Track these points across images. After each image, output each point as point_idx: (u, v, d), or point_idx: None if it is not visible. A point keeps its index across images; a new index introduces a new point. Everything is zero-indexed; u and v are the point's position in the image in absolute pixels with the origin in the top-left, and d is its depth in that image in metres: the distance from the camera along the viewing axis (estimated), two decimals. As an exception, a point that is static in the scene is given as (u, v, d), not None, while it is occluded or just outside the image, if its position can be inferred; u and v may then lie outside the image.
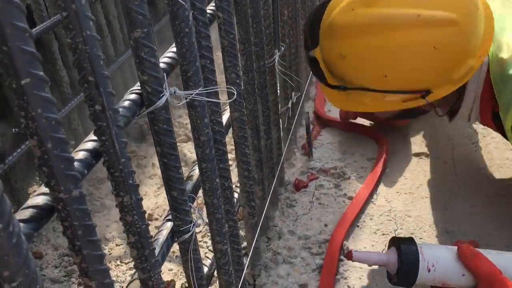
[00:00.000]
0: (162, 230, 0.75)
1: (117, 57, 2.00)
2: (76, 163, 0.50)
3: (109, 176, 0.54)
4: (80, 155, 0.52)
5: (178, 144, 1.77)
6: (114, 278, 1.25)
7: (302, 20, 1.66)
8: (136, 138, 1.85)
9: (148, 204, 1.52)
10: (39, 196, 0.46)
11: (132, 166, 0.55)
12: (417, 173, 1.42)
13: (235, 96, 0.85)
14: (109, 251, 1.35)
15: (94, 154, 0.53)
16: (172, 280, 1.19)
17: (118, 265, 1.29)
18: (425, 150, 1.51)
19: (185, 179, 0.85)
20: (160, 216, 1.45)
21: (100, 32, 1.91)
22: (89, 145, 0.53)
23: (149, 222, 1.43)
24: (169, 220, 0.76)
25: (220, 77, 1.41)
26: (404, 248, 0.94)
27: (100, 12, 1.90)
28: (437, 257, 0.93)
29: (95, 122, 0.50)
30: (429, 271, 0.92)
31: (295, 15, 1.52)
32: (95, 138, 0.52)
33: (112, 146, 0.52)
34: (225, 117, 1.00)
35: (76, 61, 0.47)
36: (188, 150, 1.75)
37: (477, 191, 1.32)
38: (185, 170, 0.78)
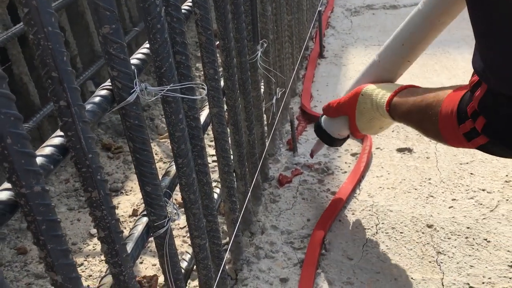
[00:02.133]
0: (137, 225, 0.75)
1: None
2: (42, 159, 0.51)
3: (77, 171, 0.54)
4: (46, 150, 0.52)
5: (163, 140, 1.78)
6: (97, 273, 1.25)
7: (287, 16, 1.67)
8: (123, 134, 1.85)
9: (133, 199, 1.52)
10: (2, 192, 0.47)
11: (100, 162, 0.55)
12: (400, 168, 1.43)
13: (205, 93, 0.85)
14: (93, 247, 1.35)
15: (61, 150, 0.53)
16: (155, 275, 1.19)
17: (102, 260, 1.30)
18: (408, 145, 1.52)
19: (163, 175, 0.86)
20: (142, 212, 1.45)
21: (86, 28, 1.91)
22: (56, 140, 0.53)
23: (134, 218, 1.44)
24: (144, 215, 0.76)
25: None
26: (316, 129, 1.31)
27: (87, 7, 1.89)
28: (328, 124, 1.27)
29: (61, 118, 0.51)
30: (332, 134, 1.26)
31: (280, 11, 1.52)
32: (62, 133, 0.53)
33: (79, 141, 0.52)
34: (205, 113, 1.00)
35: (39, 57, 0.47)
36: (174, 146, 1.75)
37: (458, 186, 1.33)
38: (165, 168, 0.78)
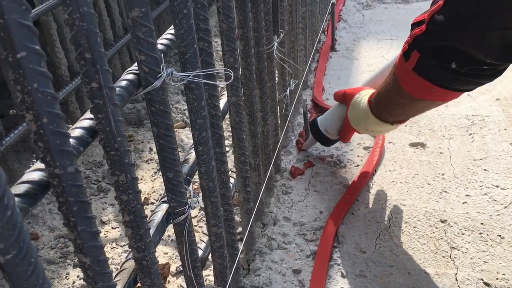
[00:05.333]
0: (157, 211, 0.75)
1: (116, 41, 1.99)
2: (72, 141, 0.51)
3: (105, 154, 0.54)
4: (76, 132, 0.52)
5: (175, 130, 1.77)
6: (109, 261, 1.25)
7: (302, 8, 1.66)
8: (134, 123, 1.85)
9: (144, 188, 1.52)
10: (34, 172, 0.46)
11: (128, 146, 0.55)
12: (413, 162, 1.43)
13: (232, 78, 0.85)
14: (105, 234, 1.35)
15: (90, 132, 0.53)
16: (167, 263, 1.19)
17: (113, 247, 1.30)
18: (421, 140, 1.52)
19: (181, 162, 0.86)
20: (156, 200, 1.45)
21: (99, 15, 1.90)
22: (86, 123, 0.53)
23: (146, 206, 1.44)
24: (164, 202, 0.76)
25: (220, 64, 1.41)
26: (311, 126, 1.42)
27: (99, -6, 1.89)
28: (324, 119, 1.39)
29: (92, 100, 0.50)
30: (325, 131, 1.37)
31: (295, 2, 1.51)
32: (91, 116, 0.53)
33: (109, 124, 0.52)
34: (222, 101, 1.00)
35: (73, 37, 0.47)
36: (185, 135, 1.75)
37: (472, 182, 1.33)
38: (182, 156, 0.78)
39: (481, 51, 0.81)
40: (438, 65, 0.88)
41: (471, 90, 0.95)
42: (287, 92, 1.44)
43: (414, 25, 0.90)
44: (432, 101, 1.00)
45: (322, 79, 1.93)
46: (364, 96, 1.21)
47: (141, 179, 1.56)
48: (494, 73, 0.88)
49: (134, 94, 0.62)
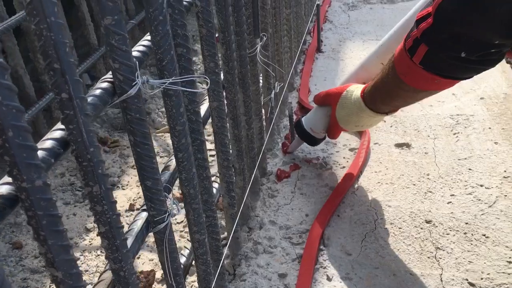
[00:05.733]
0: (137, 220, 0.74)
1: (100, 45, 1.98)
2: (43, 152, 0.50)
3: (78, 165, 0.53)
4: (47, 144, 0.51)
5: (161, 134, 1.76)
6: (94, 268, 1.24)
7: (286, 10, 1.65)
8: (119, 128, 1.84)
9: (130, 194, 1.51)
10: (2, 186, 0.46)
11: (101, 156, 0.54)
12: (398, 163, 1.43)
13: (208, 85, 0.84)
14: (89, 241, 1.34)
15: (62, 143, 0.52)
16: (152, 270, 1.18)
17: (98, 255, 1.29)
18: (406, 140, 1.52)
19: (162, 169, 0.85)
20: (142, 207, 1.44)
21: (82, 20, 1.89)
22: (57, 134, 0.52)
23: (131, 213, 1.43)
24: (144, 210, 0.75)
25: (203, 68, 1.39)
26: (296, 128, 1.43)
27: (82, -1, 1.87)
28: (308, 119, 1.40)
29: (62, 110, 0.49)
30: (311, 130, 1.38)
31: (278, 5, 1.51)
32: (63, 127, 0.52)
33: (80, 135, 0.51)
34: (204, 106, 0.99)
35: (41, 48, 0.46)
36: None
37: (457, 181, 1.33)
38: (165, 162, 0.77)
39: (492, 29, 0.83)
40: (447, 56, 0.89)
41: (472, 77, 0.97)
42: (272, 95, 1.44)
43: (419, 20, 0.91)
44: (434, 91, 1.03)
45: (308, 81, 1.93)
46: (354, 92, 1.21)
47: (127, 184, 1.55)
48: (499, 57, 0.90)
49: (109, 102, 0.61)
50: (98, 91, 0.60)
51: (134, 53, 0.67)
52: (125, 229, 0.69)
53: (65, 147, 0.52)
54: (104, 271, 0.66)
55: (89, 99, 0.57)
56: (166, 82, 0.66)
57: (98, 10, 0.56)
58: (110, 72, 0.62)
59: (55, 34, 0.45)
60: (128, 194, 1.51)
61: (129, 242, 0.68)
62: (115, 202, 0.58)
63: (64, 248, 0.48)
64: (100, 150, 0.54)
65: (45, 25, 0.45)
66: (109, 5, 0.55)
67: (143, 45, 0.71)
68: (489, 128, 1.52)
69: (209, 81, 0.84)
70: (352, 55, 2.13)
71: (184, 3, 0.82)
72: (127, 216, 1.41)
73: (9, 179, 0.46)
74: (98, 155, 0.53)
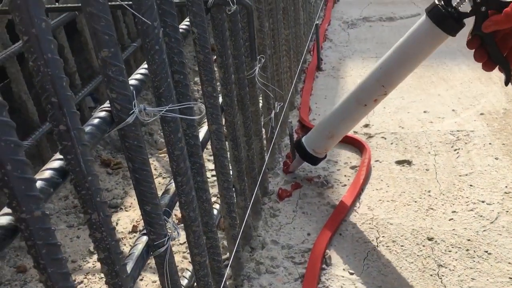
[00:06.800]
0: (137, 244, 0.75)
1: (103, 69, 2.00)
2: (42, 183, 0.51)
3: (77, 194, 0.54)
4: (46, 174, 0.52)
5: (164, 155, 1.78)
6: (98, 291, 1.25)
7: (285, 31, 1.68)
8: (123, 150, 1.85)
9: (133, 215, 1.52)
10: (3, 216, 0.47)
11: (99, 184, 0.56)
12: (400, 180, 1.44)
13: (203, 113, 0.86)
14: (93, 264, 1.35)
15: (61, 173, 0.53)
16: (156, 292, 1.19)
17: (101, 277, 1.29)
18: (407, 157, 1.53)
19: (162, 192, 0.86)
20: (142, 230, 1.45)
21: (85, 45, 1.92)
22: (56, 164, 0.54)
23: (134, 234, 1.44)
24: (144, 234, 0.76)
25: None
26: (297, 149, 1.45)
27: (85, 24, 1.91)
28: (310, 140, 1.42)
29: (60, 141, 0.51)
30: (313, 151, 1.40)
31: (277, 26, 1.53)
32: (61, 157, 0.53)
33: (78, 165, 0.52)
34: (203, 129, 1.01)
35: (39, 83, 0.48)
36: (174, 161, 1.75)
37: (458, 198, 1.33)
38: (165, 185, 0.78)
39: None
40: None
41: None
42: (272, 115, 1.45)
43: None
44: None
45: (309, 99, 1.95)
46: None
47: (130, 206, 1.56)
48: None
49: (107, 131, 0.63)
50: (96, 121, 0.62)
51: (132, 82, 0.69)
52: (127, 251, 0.70)
53: (64, 177, 0.54)
54: (105, 297, 0.67)
55: (87, 128, 0.59)
56: (163, 110, 0.68)
57: (95, 43, 0.58)
58: (108, 101, 0.63)
59: (52, 69, 0.47)
60: (131, 215, 1.52)
61: (129, 266, 0.69)
62: (114, 228, 0.59)
63: (63, 276, 0.49)
64: (98, 178, 0.55)
65: (42, 62, 0.47)
66: (105, 38, 0.57)
67: (141, 73, 0.73)
68: (490, 143, 1.53)
69: (204, 109, 0.86)
70: (352, 73, 2.15)
71: (181, 30, 0.84)
72: (130, 238, 1.42)
73: (9, 210, 0.47)
74: (96, 184, 0.54)
